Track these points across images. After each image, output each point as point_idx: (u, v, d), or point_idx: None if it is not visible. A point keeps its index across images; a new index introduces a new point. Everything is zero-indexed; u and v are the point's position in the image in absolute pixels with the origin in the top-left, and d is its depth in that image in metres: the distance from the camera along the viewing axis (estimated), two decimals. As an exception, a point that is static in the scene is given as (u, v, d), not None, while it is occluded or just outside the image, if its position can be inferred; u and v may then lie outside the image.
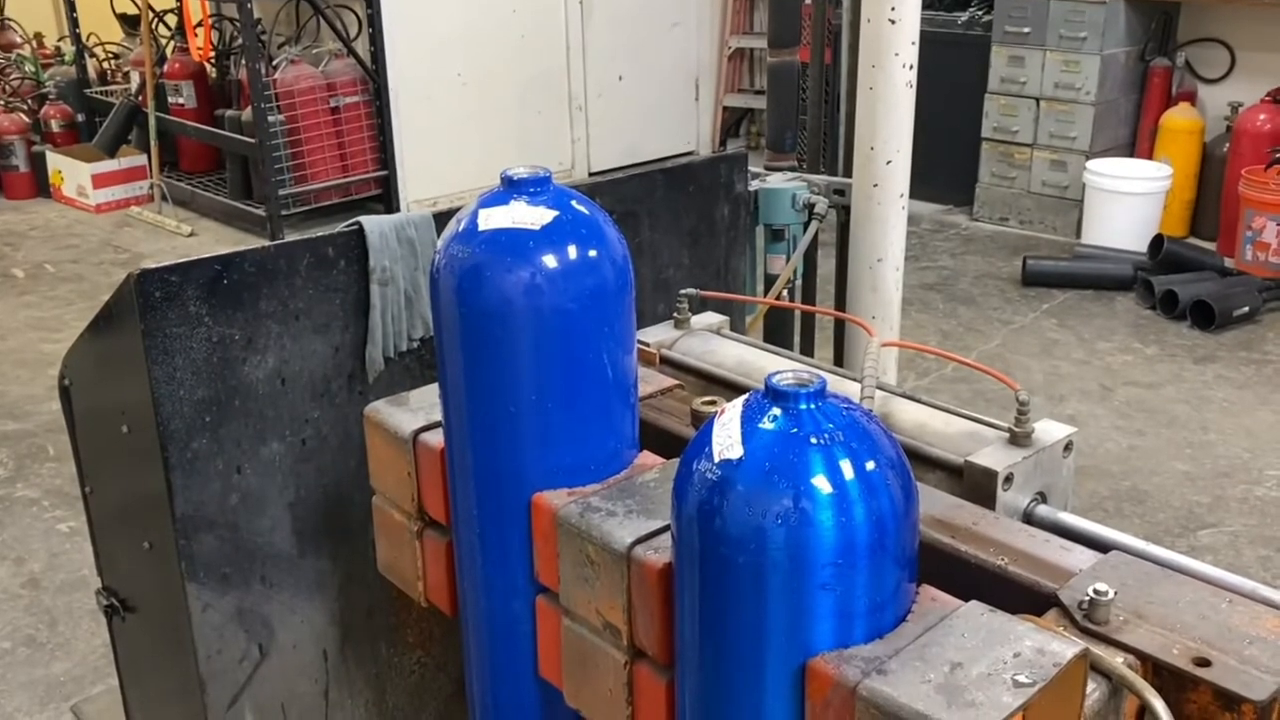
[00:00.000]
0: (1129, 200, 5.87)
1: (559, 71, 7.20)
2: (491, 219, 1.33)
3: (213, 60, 6.88)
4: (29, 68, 7.98)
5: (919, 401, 1.68)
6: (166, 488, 1.71)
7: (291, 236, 5.71)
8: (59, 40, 8.60)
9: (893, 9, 2.28)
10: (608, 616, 1.30)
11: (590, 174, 7.71)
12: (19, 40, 8.59)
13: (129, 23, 7.91)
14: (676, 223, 2.32)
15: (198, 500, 1.74)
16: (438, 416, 1.51)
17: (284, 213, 6.13)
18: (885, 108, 2.35)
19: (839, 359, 2.66)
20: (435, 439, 1.52)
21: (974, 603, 1.11)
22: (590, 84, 7.38)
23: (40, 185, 7.21)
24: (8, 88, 7.67)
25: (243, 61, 6.17)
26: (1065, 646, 1.03)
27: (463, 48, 6.56)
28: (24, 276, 5.94)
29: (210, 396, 1.72)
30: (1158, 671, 1.09)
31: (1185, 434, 4.17)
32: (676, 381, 1.75)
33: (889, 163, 2.38)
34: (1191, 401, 4.42)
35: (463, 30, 6.53)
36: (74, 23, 7.70)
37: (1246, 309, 5.09)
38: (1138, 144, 6.38)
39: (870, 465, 1.04)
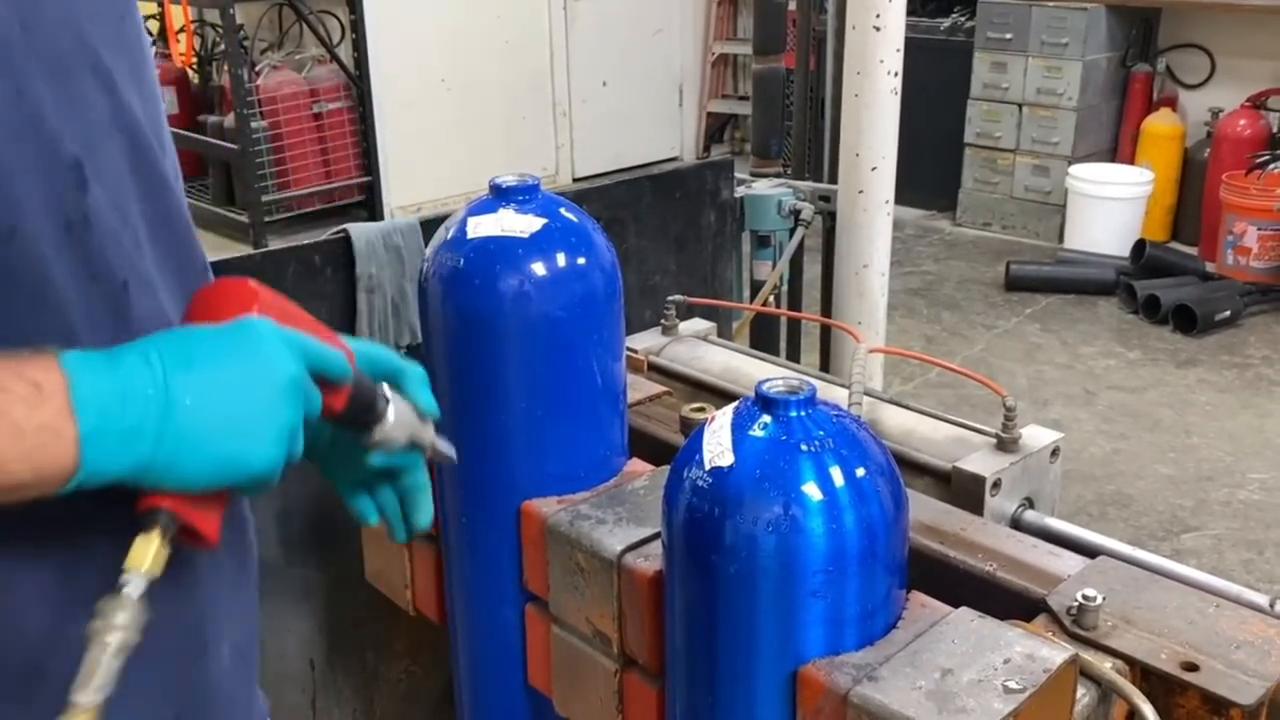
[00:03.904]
0: (1111, 205, 5.90)
1: (543, 77, 7.19)
2: (480, 227, 1.33)
3: (195, 66, 6.85)
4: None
5: (906, 408, 1.69)
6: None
7: (275, 243, 5.69)
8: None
9: (878, 15, 2.29)
10: (598, 624, 1.30)
11: (574, 180, 7.70)
12: None
13: (111, 28, 7.86)
14: (663, 229, 2.33)
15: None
16: (426, 424, 1.51)
17: (267, 219, 6.10)
18: (870, 114, 2.36)
19: (825, 365, 2.67)
20: (424, 447, 1.51)
21: (964, 609, 1.11)
22: (574, 90, 7.36)
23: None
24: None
25: (225, 67, 6.15)
26: (1055, 652, 1.04)
27: (447, 53, 6.55)
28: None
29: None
30: (1146, 676, 1.09)
31: (1168, 438, 4.19)
32: (664, 388, 1.75)
33: (874, 169, 2.39)
34: (1174, 405, 4.44)
35: (447, 36, 6.52)
36: (55, 28, 7.65)
37: (1228, 313, 5.12)
38: (1119, 149, 6.41)
39: (860, 472, 1.05)
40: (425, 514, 1.02)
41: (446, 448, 1.00)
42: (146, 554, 0.75)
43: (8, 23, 0.72)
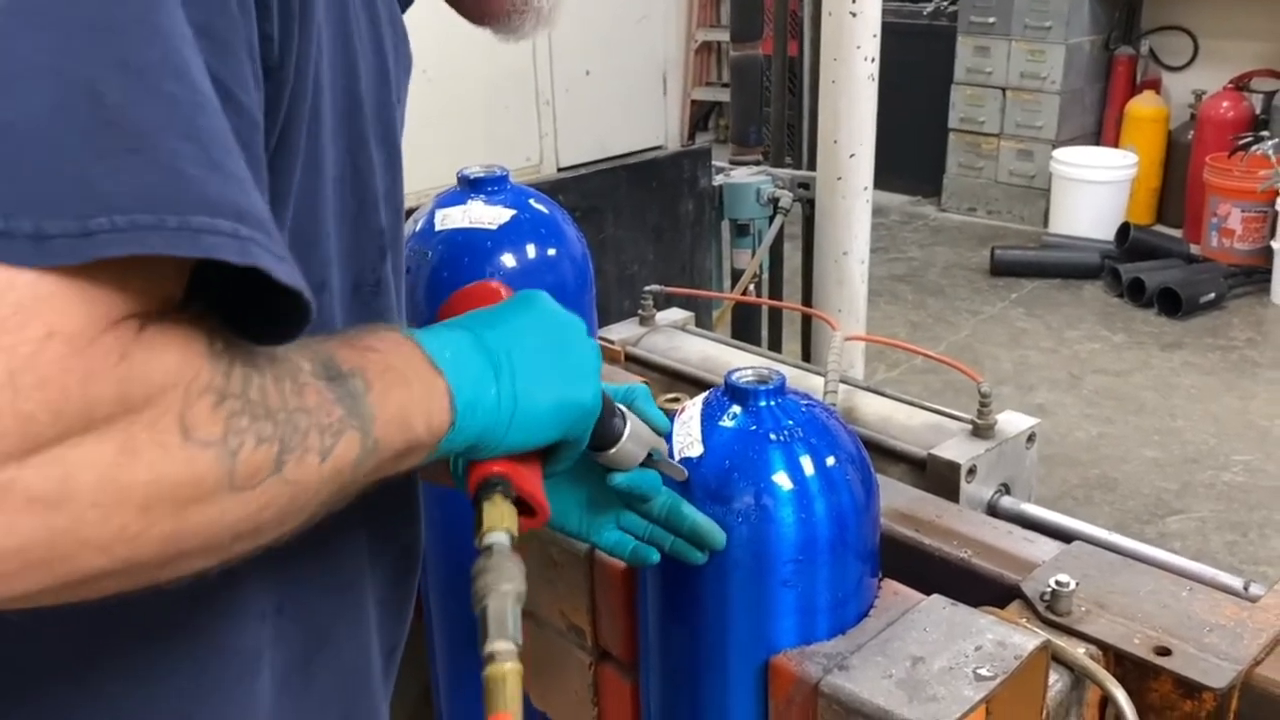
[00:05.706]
0: (1095, 189, 5.90)
1: (526, 67, 7.15)
2: (448, 219, 1.32)
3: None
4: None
5: (883, 395, 1.68)
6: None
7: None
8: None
9: (854, 1, 2.28)
10: (572, 618, 1.29)
11: (559, 169, 7.69)
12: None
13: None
14: (641, 218, 2.32)
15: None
16: (399, 418, 1.50)
17: (250, 213, 6.08)
18: (848, 101, 2.35)
19: (806, 353, 2.66)
20: (397, 441, 1.50)
21: (936, 596, 1.11)
22: (558, 79, 7.33)
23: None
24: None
25: (206, 61, 6.12)
26: (1027, 639, 1.03)
27: (429, 44, 6.48)
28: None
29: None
30: (1119, 661, 1.09)
31: (1153, 421, 4.20)
32: (641, 379, 1.74)
33: (852, 156, 2.38)
34: (1159, 388, 4.45)
35: (428, 27, 6.47)
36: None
37: (1212, 295, 5.13)
38: (1103, 132, 6.42)
39: (830, 461, 1.04)
40: (709, 527, 0.99)
41: (677, 463, 1.00)
42: (499, 514, 0.76)
43: (355, 79, 0.72)
